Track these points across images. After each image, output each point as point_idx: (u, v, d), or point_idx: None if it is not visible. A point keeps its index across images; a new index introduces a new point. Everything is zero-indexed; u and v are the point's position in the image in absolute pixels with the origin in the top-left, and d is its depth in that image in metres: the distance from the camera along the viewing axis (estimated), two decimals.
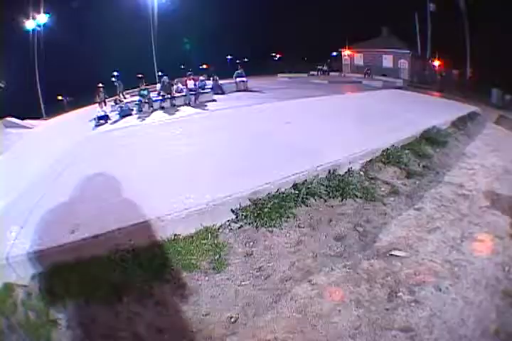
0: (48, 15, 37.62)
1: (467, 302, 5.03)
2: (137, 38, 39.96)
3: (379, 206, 7.48)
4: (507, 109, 21.74)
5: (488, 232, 6.81)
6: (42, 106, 37.21)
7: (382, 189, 8.18)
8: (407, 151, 9.86)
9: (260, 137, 11.04)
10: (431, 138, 11.06)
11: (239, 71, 27.67)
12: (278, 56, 55.41)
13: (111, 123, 18.96)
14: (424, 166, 9.59)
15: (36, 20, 37.18)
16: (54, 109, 34.26)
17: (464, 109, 16.23)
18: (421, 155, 10.00)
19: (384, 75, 35.59)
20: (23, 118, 28.29)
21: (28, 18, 36.92)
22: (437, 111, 14.99)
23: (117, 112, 20.77)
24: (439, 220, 7.10)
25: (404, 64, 36.81)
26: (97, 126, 18.65)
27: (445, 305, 4.97)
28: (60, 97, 28.84)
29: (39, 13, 37.08)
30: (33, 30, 37.38)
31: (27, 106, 34.42)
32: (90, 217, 6.52)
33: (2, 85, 37.07)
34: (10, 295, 5.57)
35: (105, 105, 22.47)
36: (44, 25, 37.73)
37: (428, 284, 5.34)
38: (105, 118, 19.56)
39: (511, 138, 13.66)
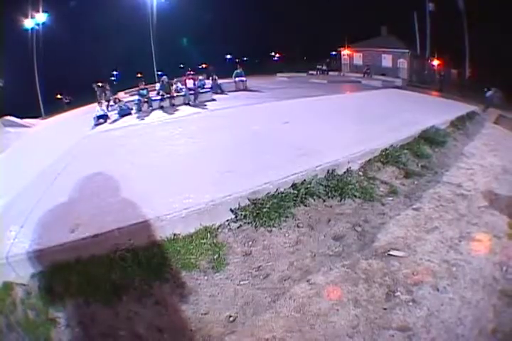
0: (46, 14, 37.63)
1: (464, 301, 5.06)
2: (136, 37, 40.07)
3: (377, 206, 7.52)
4: (501, 107, 21.86)
5: (486, 232, 6.85)
6: (41, 105, 37.26)
7: (381, 189, 8.21)
8: (405, 151, 9.88)
9: (259, 137, 11.05)
10: (429, 138, 11.09)
11: (238, 71, 27.68)
12: (277, 56, 55.47)
13: (110, 123, 19.01)
14: (422, 166, 9.63)
15: (35, 19, 37.17)
16: (53, 108, 34.19)
17: (463, 108, 16.29)
18: (419, 155, 10.03)
19: (383, 75, 35.60)
20: (21, 118, 28.34)
21: (26, 17, 36.94)
22: (436, 111, 15.03)
23: (116, 111, 20.80)
24: (438, 220, 7.13)
25: (403, 63, 36.82)
26: (96, 125, 18.67)
27: (443, 304, 5.00)
28: (59, 96, 28.83)
29: (38, 12, 37.10)
30: (32, 28, 37.40)
31: (26, 105, 34.50)
32: (90, 216, 6.55)
33: (1, 84, 37.16)
34: (9, 294, 5.61)
35: (110, 103, 22.66)
36: (43, 24, 37.73)
37: (426, 284, 5.37)
38: (104, 117, 19.61)
39: (510, 137, 13.71)
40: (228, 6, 44.96)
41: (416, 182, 8.76)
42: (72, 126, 21.81)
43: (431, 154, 10.35)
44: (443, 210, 7.52)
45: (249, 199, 6.86)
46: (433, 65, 34.55)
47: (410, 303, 5.02)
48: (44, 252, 5.73)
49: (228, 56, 56.29)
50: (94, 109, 20.78)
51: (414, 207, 7.60)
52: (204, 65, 48.82)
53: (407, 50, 35.77)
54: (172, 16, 40.35)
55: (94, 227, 6.05)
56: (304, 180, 7.57)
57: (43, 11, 37.31)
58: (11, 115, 26.97)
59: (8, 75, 36.36)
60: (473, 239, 6.58)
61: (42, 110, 36.91)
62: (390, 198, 7.87)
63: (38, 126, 27.74)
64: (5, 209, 8.12)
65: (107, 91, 23.60)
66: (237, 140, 10.89)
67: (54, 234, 6.13)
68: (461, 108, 16.40)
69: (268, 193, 7.06)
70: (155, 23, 38.33)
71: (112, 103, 22.34)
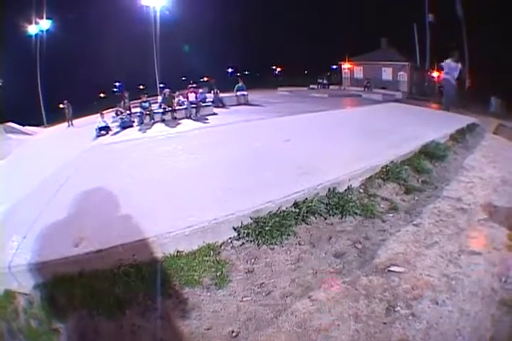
0: (50, 20, 37.91)
1: (463, 313, 5.11)
2: (139, 49, 40.79)
3: (378, 223, 7.59)
4: (501, 116, 22.11)
5: (485, 245, 6.91)
6: (43, 113, 37.53)
7: (382, 205, 8.30)
8: (406, 167, 9.97)
9: (261, 153, 11.20)
10: (430, 152, 11.20)
11: (239, 84, 28.14)
12: (278, 70, 55.88)
13: (112, 135, 19.50)
14: (423, 181, 9.71)
15: (39, 25, 37.47)
16: (55, 116, 34.41)
17: (463, 120, 16.50)
18: (420, 171, 10.13)
19: (383, 88, 35.81)
20: (23, 125, 28.69)
21: (30, 23, 37.28)
22: (436, 125, 15.18)
23: (118, 124, 21.32)
24: (437, 235, 7.19)
25: (403, 76, 37.12)
26: (98, 136, 19.38)
27: (442, 317, 5.05)
28: (61, 105, 29.24)
29: (42, 18, 37.39)
30: (36, 35, 37.72)
31: (28, 112, 34.89)
32: (93, 230, 6.68)
33: (0, 84, 37.44)
34: (11, 302, 5.75)
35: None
36: (47, 31, 38.05)
37: (425, 298, 5.42)
38: (106, 129, 20.34)
39: (509, 148, 13.92)
40: (231, 20, 45.53)
41: (416, 198, 8.82)
42: (73, 137, 22.70)
43: (431, 169, 10.45)
44: (443, 225, 7.58)
45: (251, 218, 6.95)
46: (433, 77, 34.75)
47: (410, 317, 5.07)
48: (47, 264, 5.84)
49: (230, 69, 56.80)
50: (96, 120, 21.54)
51: (414, 222, 7.66)
52: (206, 78, 49.32)
53: (407, 63, 36.13)
54: (175, 29, 40.91)
55: (98, 242, 6.16)
56: (306, 199, 7.66)
57: (47, 18, 37.63)
58: (12, 121, 27.34)
59: (10, 81, 36.77)
60: (472, 253, 6.63)
61: (44, 118, 37.17)
62: (391, 215, 7.95)
63: (40, 134, 28.69)
64: (6, 216, 8.37)
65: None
66: (238, 157, 11.01)
67: (57, 246, 6.25)
68: (461, 120, 16.60)
69: (270, 212, 7.14)
70: (158, 34, 38.66)
71: (114, 114, 22.78)
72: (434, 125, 15.09)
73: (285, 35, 47.53)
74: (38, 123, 35.45)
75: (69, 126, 29.28)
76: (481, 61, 30.67)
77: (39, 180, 11.22)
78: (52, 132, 30.30)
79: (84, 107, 36.12)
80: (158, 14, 38.20)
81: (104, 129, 20.59)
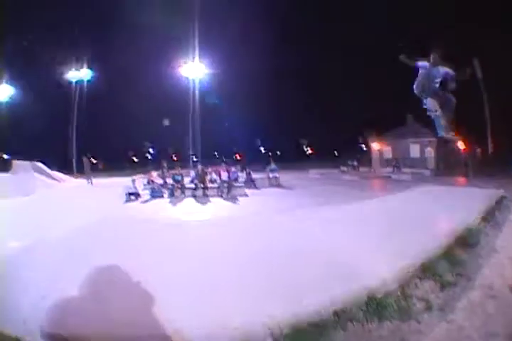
0: (91, 70, 39.78)
1: None
2: (175, 117, 42.08)
3: (414, 324, 7.87)
4: None
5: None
6: (73, 163, 38.76)
7: (417, 306, 8.54)
8: (442, 262, 10.31)
9: (299, 251, 11.05)
10: (464, 241, 11.63)
11: (272, 167, 29.68)
12: (310, 151, 56.97)
13: (142, 202, 21.07)
14: (457, 274, 9.94)
15: (79, 73, 39.27)
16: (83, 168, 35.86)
17: (491, 196, 17.51)
18: (455, 263, 10.41)
19: (412, 167, 36.38)
20: (52, 169, 31.16)
21: (71, 70, 39.12)
22: (466, 206, 15.78)
23: (149, 193, 22.85)
24: (469, 329, 7.61)
25: (430, 152, 37.78)
26: (127, 201, 21.10)
27: None
28: (93, 160, 30.52)
29: (82, 67, 39.25)
30: (76, 82, 39.49)
31: (59, 159, 36.24)
32: (119, 316, 6.89)
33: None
34: None
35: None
36: (88, 81, 39.85)
37: None
38: (136, 195, 21.95)
39: None
40: (265, 100, 47.62)
41: (450, 293, 9.12)
42: (102, 196, 24.05)
43: (465, 259, 10.74)
44: (474, 317, 8.02)
45: (289, 327, 7.17)
46: (459, 149, 35.17)
47: None
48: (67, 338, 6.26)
49: (262, 148, 58.27)
50: (120, 183, 24.19)
51: (447, 319, 8.02)
52: (238, 156, 50.61)
53: (433, 138, 36.66)
54: (211, 102, 42.74)
55: (123, 331, 6.50)
56: (346, 307, 8.01)
57: (88, 67, 39.49)
58: (40, 161, 29.89)
59: (47, 124, 40.37)
60: (499, 337, 7.22)
61: (74, 167, 38.26)
62: (426, 314, 8.24)
63: (69, 182, 30.92)
64: (23, 255, 9.35)
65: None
66: (275, 253, 10.86)
67: (80, 322, 6.61)
68: (489, 196, 17.52)
69: (310, 321, 7.43)
70: (197, 106, 40.14)
71: (145, 182, 24.08)
72: (464, 207, 15.64)
73: (315, 118, 49.42)
74: (68, 172, 37.59)
75: (88, 182, 30.84)
76: (502, 124, 31.12)
77: (60, 229, 12.05)
78: (80, 184, 31.64)
79: (114, 165, 37.47)
80: (197, 86, 39.81)
81: (134, 195, 21.93)
